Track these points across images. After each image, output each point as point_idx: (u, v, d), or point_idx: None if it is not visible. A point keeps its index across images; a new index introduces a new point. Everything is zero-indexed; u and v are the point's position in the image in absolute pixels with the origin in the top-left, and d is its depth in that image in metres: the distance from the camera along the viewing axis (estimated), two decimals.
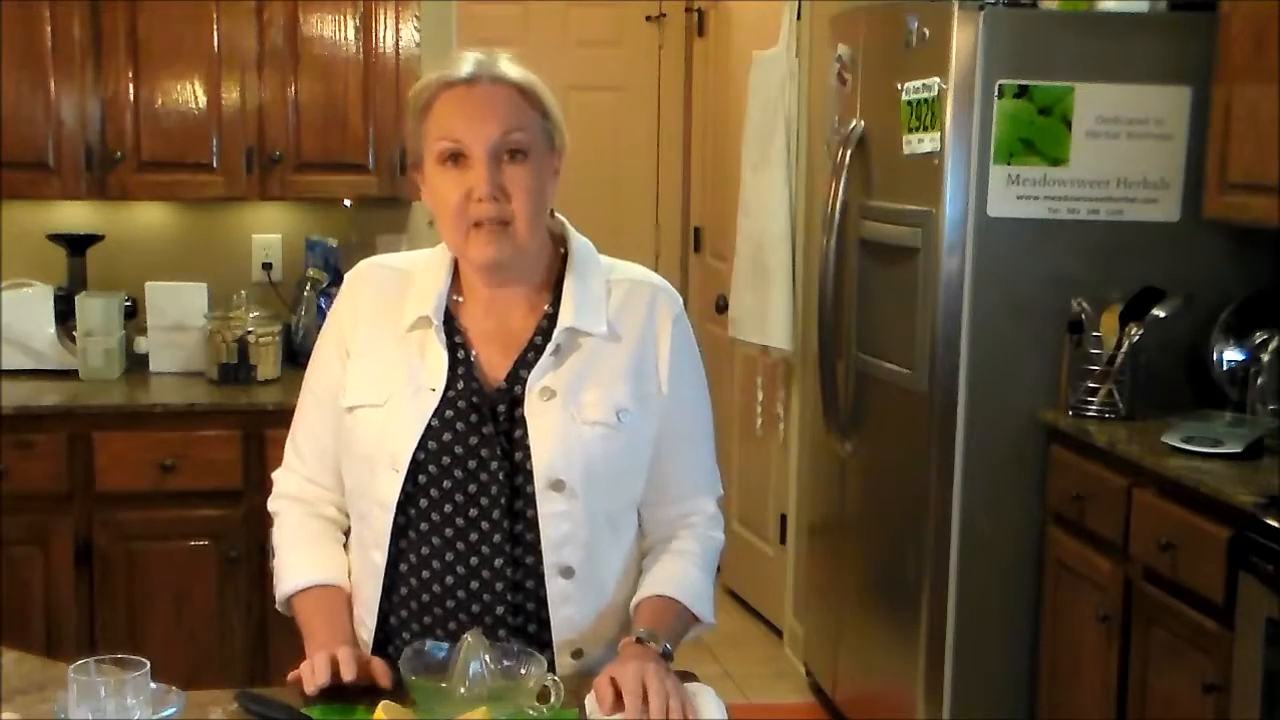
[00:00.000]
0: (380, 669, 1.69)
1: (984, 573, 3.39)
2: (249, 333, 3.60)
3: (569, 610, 1.78)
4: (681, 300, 1.90)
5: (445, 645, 1.69)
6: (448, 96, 1.73)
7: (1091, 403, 3.23)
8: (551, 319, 1.80)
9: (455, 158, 1.71)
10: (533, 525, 1.76)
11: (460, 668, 1.62)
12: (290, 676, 1.68)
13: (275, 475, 1.94)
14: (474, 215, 1.71)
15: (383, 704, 1.58)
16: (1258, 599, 2.50)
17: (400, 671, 1.66)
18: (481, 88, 1.72)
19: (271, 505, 1.93)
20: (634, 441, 1.80)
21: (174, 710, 1.61)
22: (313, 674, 1.65)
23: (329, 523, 1.90)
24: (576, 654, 1.80)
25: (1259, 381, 3.13)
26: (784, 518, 4.67)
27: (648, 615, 1.78)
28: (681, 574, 1.84)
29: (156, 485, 3.35)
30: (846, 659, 3.94)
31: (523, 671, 1.65)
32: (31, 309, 3.65)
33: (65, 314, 3.66)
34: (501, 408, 1.77)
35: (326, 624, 1.78)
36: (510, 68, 1.75)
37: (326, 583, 1.83)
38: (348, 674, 1.64)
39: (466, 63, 1.74)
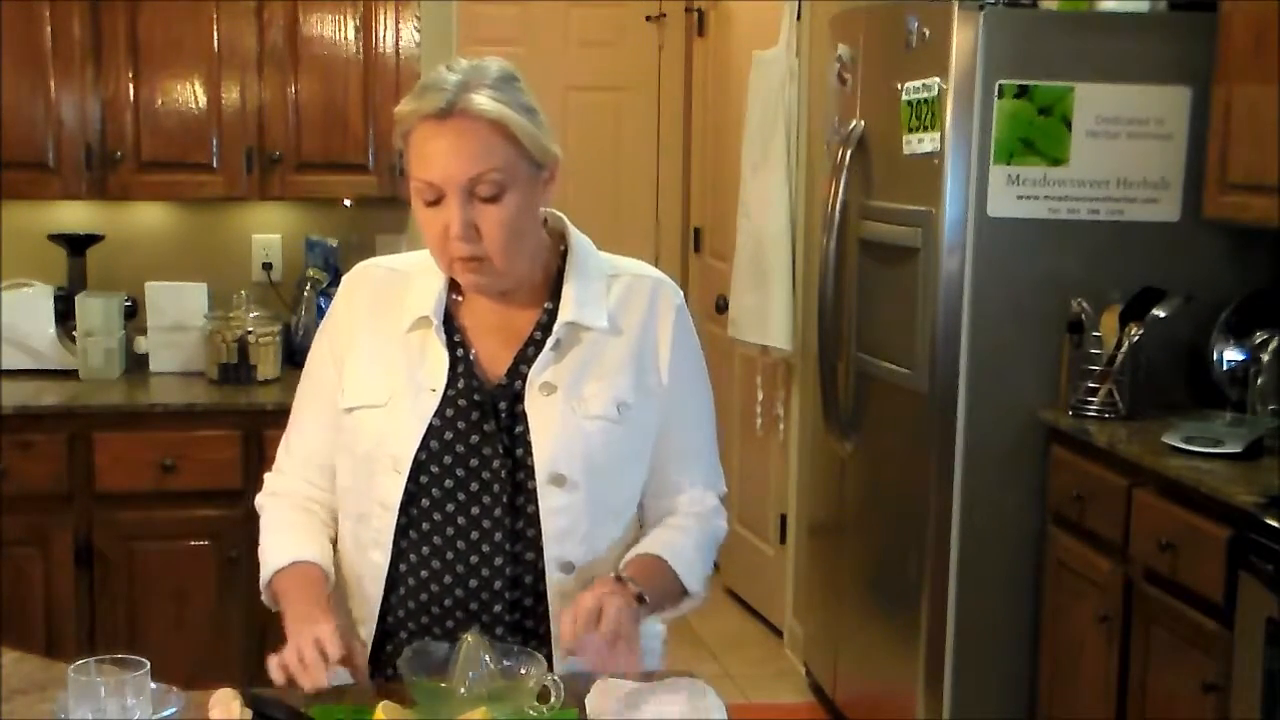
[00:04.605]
0: (358, 650, 1.68)
1: (984, 573, 3.39)
2: (249, 333, 3.60)
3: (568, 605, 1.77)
4: (682, 294, 1.90)
5: (445, 645, 1.69)
6: (423, 131, 1.68)
7: (1091, 403, 3.23)
8: (552, 315, 1.80)
9: (431, 196, 1.70)
10: (533, 521, 1.76)
11: (460, 668, 1.62)
12: (275, 665, 1.63)
13: (266, 476, 1.94)
14: (451, 252, 1.71)
15: (383, 704, 1.58)
16: (1258, 599, 2.50)
17: (400, 671, 1.66)
18: (454, 124, 1.66)
19: (258, 500, 1.93)
20: (635, 434, 1.81)
21: (174, 710, 1.61)
22: (305, 668, 1.61)
23: (315, 517, 1.89)
24: None
25: (1259, 381, 3.13)
26: (784, 518, 4.67)
27: (633, 566, 1.77)
28: (672, 541, 1.84)
29: (156, 485, 3.35)
30: (846, 659, 3.94)
31: (523, 671, 1.65)
32: (31, 309, 3.66)
33: (65, 314, 3.66)
34: (503, 404, 1.77)
35: (304, 597, 1.75)
36: (485, 98, 1.66)
37: (308, 560, 1.81)
38: (334, 652, 1.62)
39: (442, 91, 1.66)
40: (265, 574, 1.82)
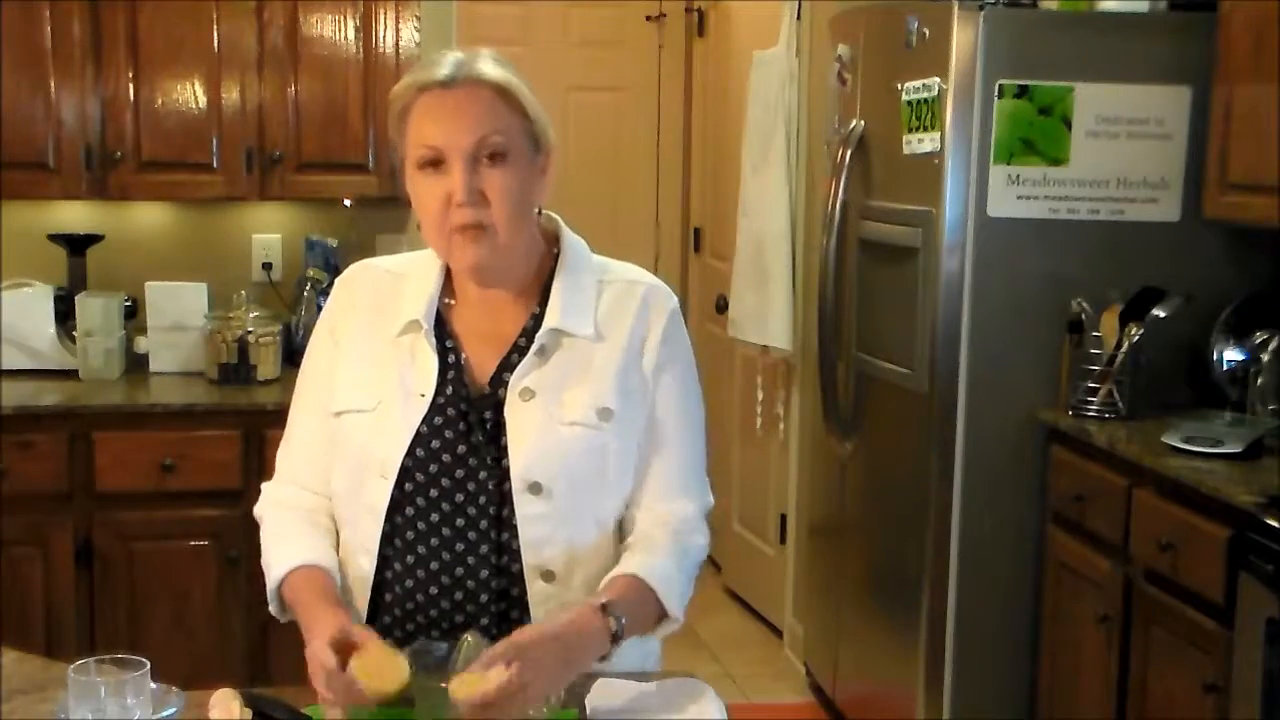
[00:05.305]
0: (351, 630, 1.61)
1: (984, 573, 3.39)
2: (249, 333, 3.60)
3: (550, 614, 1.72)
4: (677, 299, 1.86)
5: (445, 645, 1.68)
6: (424, 100, 1.68)
7: (1091, 403, 3.23)
8: (538, 320, 1.77)
9: (434, 163, 1.68)
10: (517, 531, 1.73)
11: (460, 667, 1.62)
12: (323, 701, 1.59)
13: (265, 486, 1.89)
14: (454, 220, 1.68)
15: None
16: (1258, 599, 2.50)
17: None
18: (458, 90, 1.67)
19: (258, 510, 1.87)
20: (618, 441, 1.75)
21: (174, 710, 1.61)
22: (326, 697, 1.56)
23: (318, 526, 1.83)
24: None
25: (1259, 381, 3.13)
26: (784, 518, 4.67)
27: (612, 589, 1.69)
28: (654, 563, 1.74)
29: (156, 485, 3.35)
30: (846, 659, 3.94)
31: None
32: (31, 309, 3.66)
33: (65, 314, 3.66)
34: (487, 413, 1.74)
35: (321, 599, 1.70)
36: (490, 67, 1.69)
37: (316, 564, 1.75)
38: (327, 660, 1.54)
39: (444, 64, 1.68)
40: (274, 576, 1.77)
